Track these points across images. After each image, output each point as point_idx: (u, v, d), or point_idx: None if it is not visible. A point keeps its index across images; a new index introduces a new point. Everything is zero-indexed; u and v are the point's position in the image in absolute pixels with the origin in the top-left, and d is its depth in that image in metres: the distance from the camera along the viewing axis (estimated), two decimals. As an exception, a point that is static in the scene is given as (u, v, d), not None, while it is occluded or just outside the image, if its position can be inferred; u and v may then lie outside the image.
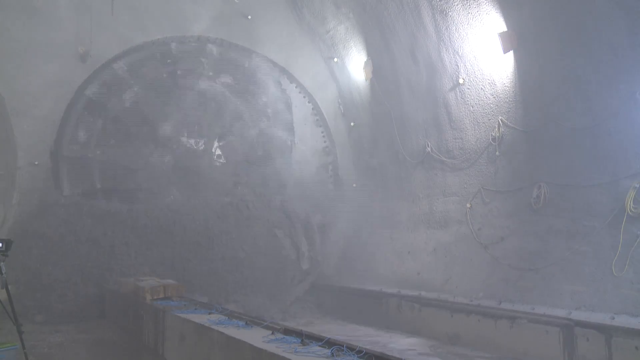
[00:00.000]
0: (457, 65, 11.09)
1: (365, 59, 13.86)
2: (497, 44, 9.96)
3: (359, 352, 4.89)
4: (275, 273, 13.37)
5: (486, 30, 10.19)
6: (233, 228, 13.35)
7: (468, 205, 11.23)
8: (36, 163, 12.95)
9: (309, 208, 14.69)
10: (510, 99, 10.17)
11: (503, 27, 9.83)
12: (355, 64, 14.34)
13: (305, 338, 5.42)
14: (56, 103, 13.16)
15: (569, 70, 8.95)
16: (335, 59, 14.96)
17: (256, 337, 5.70)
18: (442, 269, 11.45)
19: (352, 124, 15.39)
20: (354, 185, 15.55)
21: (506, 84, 10.19)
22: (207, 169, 14.15)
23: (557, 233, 9.26)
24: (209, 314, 7.51)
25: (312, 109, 15.66)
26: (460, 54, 10.93)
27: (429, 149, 12.28)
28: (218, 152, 14.44)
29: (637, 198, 8.08)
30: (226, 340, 6.00)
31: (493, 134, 10.57)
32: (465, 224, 11.30)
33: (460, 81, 11.06)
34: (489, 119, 10.71)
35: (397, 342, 9.86)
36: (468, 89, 11.00)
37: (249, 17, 15.02)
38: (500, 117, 10.41)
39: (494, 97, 10.51)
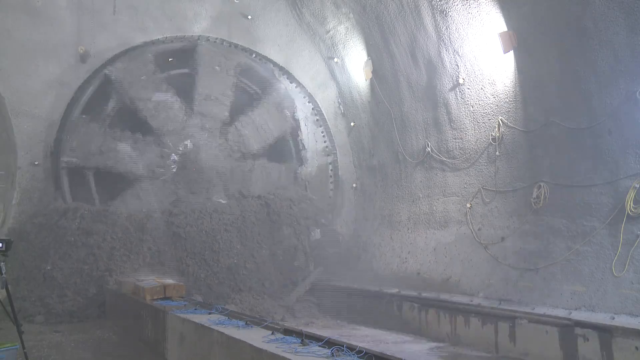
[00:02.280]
0: (457, 65, 11.09)
1: (365, 59, 13.86)
2: (497, 44, 9.97)
3: (359, 352, 4.89)
4: (282, 274, 13.38)
5: (486, 30, 10.19)
6: (237, 228, 13.31)
7: (468, 205, 11.24)
8: (36, 163, 12.96)
9: (309, 208, 14.70)
10: (510, 99, 10.18)
11: (503, 27, 9.83)
12: (355, 64, 14.34)
13: (305, 338, 5.42)
14: (56, 103, 13.17)
15: (569, 70, 8.95)
16: (336, 59, 14.96)
17: (256, 337, 5.70)
18: (442, 269, 11.46)
19: (352, 124, 15.40)
20: (354, 185, 15.56)
21: (506, 84, 10.19)
22: (209, 168, 14.12)
23: (557, 233, 9.27)
24: (209, 314, 7.51)
25: (312, 109, 15.69)
26: (460, 54, 10.93)
27: (429, 149, 12.28)
28: (220, 150, 14.40)
29: (637, 198, 8.08)
30: (226, 340, 6.00)
31: (493, 134, 10.58)
32: (465, 224, 11.30)
33: (460, 81, 11.06)
34: (489, 119, 10.71)
35: (397, 342, 9.87)
36: (468, 89, 11.00)
37: (249, 17, 15.05)
38: (500, 117, 10.41)
39: (494, 97, 10.51)
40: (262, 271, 12.97)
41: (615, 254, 8.22)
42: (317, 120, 15.69)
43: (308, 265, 13.90)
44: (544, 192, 9.50)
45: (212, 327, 6.44)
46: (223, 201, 13.85)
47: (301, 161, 15.35)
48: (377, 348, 5.49)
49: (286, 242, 13.89)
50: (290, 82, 15.51)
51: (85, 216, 12.26)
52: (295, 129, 15.35)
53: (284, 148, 15.47)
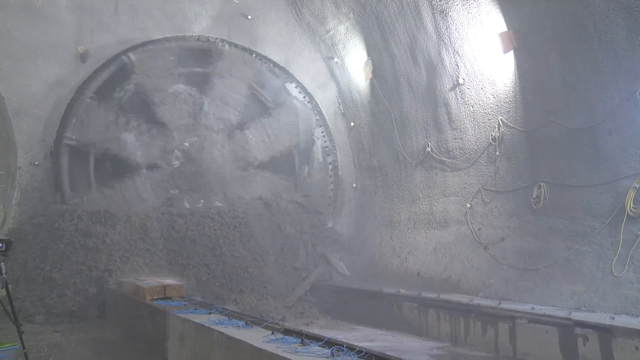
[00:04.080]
0: (457, 65, 11.09)
1: (365, 59, 13.86)
2: (497, 44, 9.97)
3: (359, 352, 4.89)
4: (284, 275, 13.32)
5: (486, 30, 10.19)
6: (240, 232, 13.24)
7: (468, 205, 11.24)
8: (36, 163, 12.95)
9: (310, 208, 14.68)
10: (510, 99, 10.18)
11: (503, 27, 9.83)
12: (355, 64, 14.34)
13: (305, 338, 5.41)
14: (56, 103, 13.16)
15: (569, 70, 8.95)
16: (336, 59, 14.96)
17: (256, 337, 5.70)
18: (442, 269, 11.46)
19: (352, 124, 15.40)
20: (354, 185, 15.55)
21: (506, 84, 10.19)
22: (212, 169, 14.06)
23: (557, 233, 9.27)
24: (209, 314, 7.51)
25: (312, 109, 15.67)
26: (460, 54, 10.93)
27: (429, 149, 12.28)
28: (224, 152, 14.33)
29: (637, 198, 8.09)
30: (226, 340, 6.00)
31: (493, 134, 10.58)
32: (465, 224, 11.30)
33: (460, 81, 11.06)
34: (489, 119, 10.71)
35: (397, 342, 9.87)
36: (468, 89, 11.00)
37: (249, 17, 15.03)
38: (500, 117, 10.41)
39: (494, 97, 10.51)
40: (264, 273, 12.91)
41: (615, 254, 8.23)
42: (317, 120, 15.68)
43: (308, 265, 13.87)
44: (544, 192, 9.50)
45: (212, 327, 6.44)
46: (220, 204, 13.81)
47: (298, 134, 15.29)
48: (377, 348, 5.49)
49: (289, 244, 13.80)
50: (291, 82, 15.48)
51: (83, 217, 12.24)
52: (293, 104, 15.18)
53: (290, 159, 15.34)
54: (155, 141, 13.61)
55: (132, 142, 13.34)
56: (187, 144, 13.82)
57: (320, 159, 15.43)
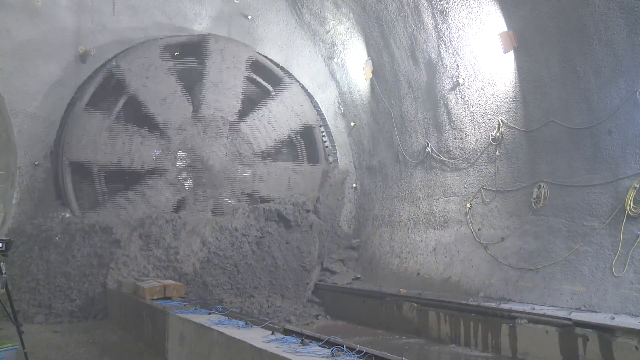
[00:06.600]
0: (457, 65, 11.09)
1: (365, 59, 13.86)
2: (497, 44, 9.97)
3: (359, 352, 4.89)
4: (296, 285, 13.26)
5: (486, 30, 10.19)
6: (253, 251, 13.13)
7: (468, 205, 11.24)
8: (36, 163, 12.95)
9: (311, 208, 14.68)
10: (510, 99, 10.18)
11: (503, 27, 9.84)
12: (355, 64, 14.34)
13: (305, 338, 5.42)
14: (56, 103, 13.17)
15: (569, 70, 8.95)
16: (336, 59, 14.96)
17: (256, 337, 5.71)
18: (442, 269, 11.46)
19: (352, 124, 15.40)
20: (354, 185, 15.56)
21: (506, 84, 10.19)
22: (216, 170, 14.02)
23: (557, 233, 9.27)
24: (209, 314, 7.52)
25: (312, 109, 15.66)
26: (460, 54, 10.93)
27: (429, 149, 12.29)
28: (228, 153, 14.28)
29: (637, 198, 8.09)
30: (226, 340, 6.01)
31: (493, 134, 10.58)
32: (465, 224, 11.30)
33: (460, 81, 11.06)
34: (489, 119, 10.72)
35: (397, 342, 9.87)
36: (468, 89, 11.00)
37: (249, 17, 15.04)
38: (500, 117, 10.41)
39: (494, 97, 10.52)
40: (276, 286, 12.82)
41: (615, 254, 8.23)
42: (317, 120, 15.67)
43: (315, 269, 13.76)
44: (544, 192, 9.51)
45: (212, 327, 6.45)
46: (230, 201, 13.74)
47: (298, 135, 15.28)
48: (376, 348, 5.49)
49: (305, 257, 13.60)
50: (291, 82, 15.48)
51: (85, 215, 12.24)
52: (296, 103, 15.10)
53: (281, 139, 15.28)
54: (156, 145, 13.54)
55: (135, 143, 13.30)
56: (187, 144, 13.79)
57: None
